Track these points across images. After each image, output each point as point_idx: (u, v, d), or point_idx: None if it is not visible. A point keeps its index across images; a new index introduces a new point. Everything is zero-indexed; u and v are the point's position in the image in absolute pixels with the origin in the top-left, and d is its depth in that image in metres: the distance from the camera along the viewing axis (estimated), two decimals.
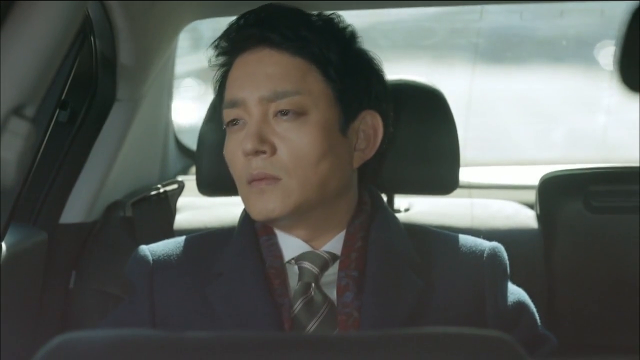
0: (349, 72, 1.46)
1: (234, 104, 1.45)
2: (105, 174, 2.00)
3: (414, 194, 1.88)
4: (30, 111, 1.11)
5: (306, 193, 1.42)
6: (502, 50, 3.34)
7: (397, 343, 0.91)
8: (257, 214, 1.44)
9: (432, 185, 1.72)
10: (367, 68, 1.51)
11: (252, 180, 1.42)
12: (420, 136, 1.66)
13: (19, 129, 1.09)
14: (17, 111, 1.09)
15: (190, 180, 2.01)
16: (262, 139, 1.41)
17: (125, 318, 1.52)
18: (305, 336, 1.21)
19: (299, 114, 1.42)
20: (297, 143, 1.42)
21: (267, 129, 1.42)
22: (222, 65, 1.51)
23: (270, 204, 1.42)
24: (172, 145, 2.49)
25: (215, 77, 1.53)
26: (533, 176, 2.17)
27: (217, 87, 1.52)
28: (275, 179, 1.41)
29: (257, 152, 1.41)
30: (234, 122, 1.45)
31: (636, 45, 1.25)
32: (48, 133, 1.86)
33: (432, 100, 1.70)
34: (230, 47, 1.48)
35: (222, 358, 0.91)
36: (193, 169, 2.40)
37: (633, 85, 1.25)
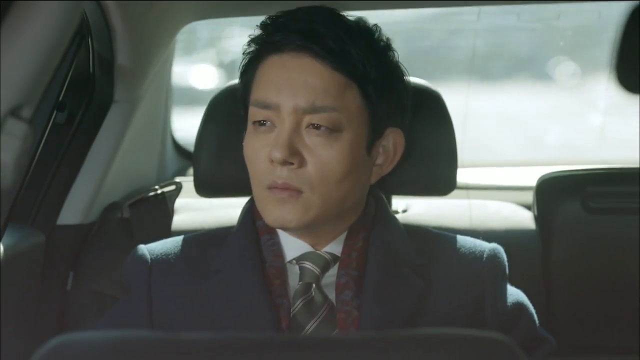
0: (385, 90, 1.45)
1: (267, 106, 1.42)
2: (103, 175, 2.00)
3: (412, 195, 1.88)
4: (27, 112, 1.11)
5: (325, 209, 1.42)
6: (499, 52, 3.34)
7: (396, 344, 0.91)
8: (272, 221, 1.43)
9: (429, 187, 1.72)
10: (400, 84, 1.50)
11: (274, 188, 1.41)
12: (418, 137, 1.66)
13: (16, 130, 1.09)
14: (15, 112, 1.09)
15: (188, 182, 2.01)
16: (292, 150, 1.39)
17: (123, 317, 1.52)
18: (304, 337, 1.21)
19: (333, 130, 1.41)
20: (326, 159, 1.40)
21: (298, 140, 1.40)
22: (253, 55, 1.47)
23: (288, 215, 1.41)
24: (169, 146, 2.49)
25: (243, 63, 1.49)
26: (530, 177, 2.18)
27: (244, 77, 1.49)
28: (298, 192, 1.40)
29: (284, 163, 1.40)
30: (261, 122, 1.43)
31: (634, 46, 1.25)
32: (45, 134, 1.86)
33: (430, 101, 1.70)
34: (268, 45, 1.44)
35: (219, 359, 0.91)
36: (191, 170, 2.40)
37: (631, 86, 1.25)
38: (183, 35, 2.27)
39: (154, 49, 2.07)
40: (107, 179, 2.01)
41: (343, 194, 1.42)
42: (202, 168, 1.71)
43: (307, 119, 1.41)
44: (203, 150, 1.71)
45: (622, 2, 1.34)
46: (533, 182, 2.08)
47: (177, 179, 2.28)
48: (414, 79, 1.77)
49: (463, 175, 1.81)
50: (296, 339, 0.99)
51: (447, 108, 1.70)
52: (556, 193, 2.02)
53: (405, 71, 1.52)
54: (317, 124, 1.40)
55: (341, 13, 1.47)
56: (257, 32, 1.47)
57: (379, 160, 1.49)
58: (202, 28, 2.60)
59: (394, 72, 1.50)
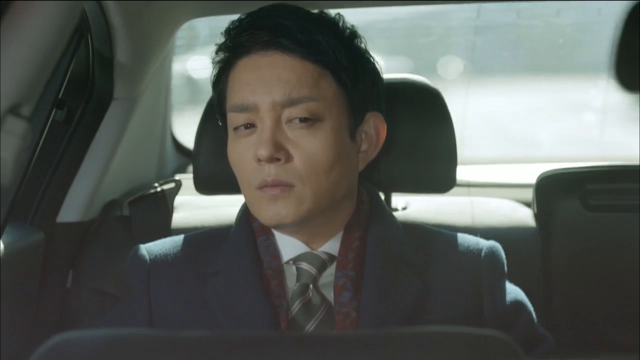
0: (358, 75, 1.46)
1: (245, 109, 1.42)
2: (102, 172, 2.00)
3: (412, 193, 1.88)
4: (27, 110, 1.11)
5: (318, 199, 1.42)
6: (499, 49, 3.34)
7: (395, 342, 0.91)
8: (268, 220, 1.43)
9: (429, 184, 1.72)
10: (371, 69, 1.51)
11: (265, 187, 1.41)
12: (418, 135, 1.66)
13: (16, 128, 1.09)
14: (14, 110, 1.09)
15: (187, 179, 2.01)
16: (277, 145, 1.39)
17: (123, 317, 1.52)
18: (303, 335, 1.21)
19: (314, 120, 1.41)
20: (312, 150, 1.40)
21: (281, 136, 1.40)
22: (223, 63, 1.48)
23: (283, 211, 1.41)
24: (169, 143, 2.49)
25: (214, 73, 1.50)
26: (530, 174, 2.18)
27: (217, 86, 1.50)
28: (289, 186, 1.40)
29: (272, 159, 1.40)
30: (243, 126, 1.43)
31: (633, 44, 1.25)
32: (45, 132, 1.85)
33: (430, 98, 1.71)
34: (237, 48, 1.45)
35: (218, 357, 0.91)
36: (190, 168, 2.40)
37: (630, 85, 1.25)
38: (182, 33, 2.28)
39: (153, 47, 2.07)
40: (107, 177, 2.01)
41: (333, 183, 1.42)
42: (201, 165, 1.72)
43: (287, 112, 1.41)
44: (203, 147, 1.71)
45: (621, 0, 1.34)
46: (533, 180, 2.08)
47: (177, 177, 2.28)
48: (414, 77, 1.78)
49: (463, 173, 1.81)
50: (296, 337, 0.99)
51: (446, 106, 1.71)
52: (556, 190, 2.03)
53: (375, 57, 1.52)
54: (298, 116, 1.40)
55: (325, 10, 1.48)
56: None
57: (364, 147, 1.49)
58: (202, 26, 2.60)
59: (364, 57, 1.50)
